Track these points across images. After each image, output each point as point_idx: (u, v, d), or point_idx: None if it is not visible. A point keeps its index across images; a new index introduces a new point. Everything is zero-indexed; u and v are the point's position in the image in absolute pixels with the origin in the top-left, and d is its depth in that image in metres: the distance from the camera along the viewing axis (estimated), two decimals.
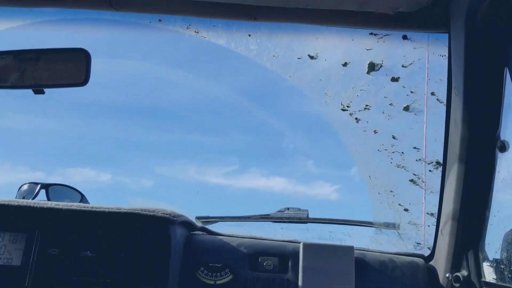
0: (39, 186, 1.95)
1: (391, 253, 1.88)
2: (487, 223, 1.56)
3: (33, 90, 1.55)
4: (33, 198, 1.92)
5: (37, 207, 1.66)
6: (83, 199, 2.03)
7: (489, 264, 1.56)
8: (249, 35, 2.00)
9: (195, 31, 1.99)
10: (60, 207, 1.66)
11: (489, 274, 1.55)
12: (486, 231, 1.58)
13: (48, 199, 1.93)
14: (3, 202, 1.67)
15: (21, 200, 1.79)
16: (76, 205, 1.71)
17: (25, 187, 1.98)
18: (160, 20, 1.94)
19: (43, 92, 1.56)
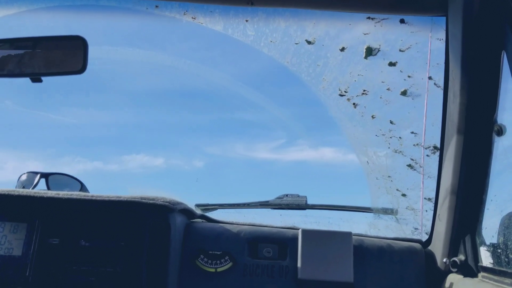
0: (38, 175, 1.95)
1: (389, 239, 1.89)
2: (484, 207, 1.57)
3: (30, 79, 1.54)
4: (33, 188, 1.92)
5: (37, 196, 1.66)
6: (83, 188, 2.03)
7: (486, 249, 1.57)
8: (247, 21, 1.98)
9: (192, 17, 1.97)
10: (60, 196, 1.67)
11: (486, 259, 1.56)
12: (483, 216, 1.58)
13: (48, 189, 1.93)
14: (3, 192, 1.67)
15: (21, 189, 1.80)
16: (76, 194, 1.71)
17: (24, 176, 1.99)
18: (157, 6, 1.93)
19: (40, 81, 1.56)
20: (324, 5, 1.74)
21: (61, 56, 1.55)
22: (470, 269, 1.60)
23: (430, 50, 1.89)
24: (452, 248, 1.68)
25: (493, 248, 1.55)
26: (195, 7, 1.91)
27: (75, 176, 2.05)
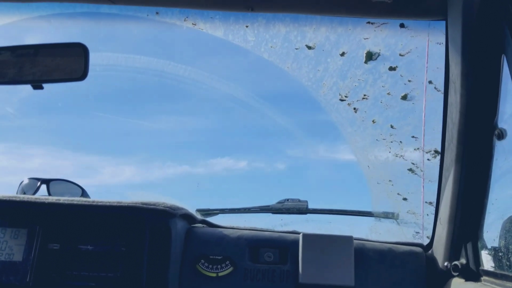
0: (39, 181, 1.96)
1: (390, 243, 1.89)
2: (485, 211, 1.57)
3: (32, 86, 1.55)
4: (34, 193, 1.93)
5: (38, 202, 1.67)
6: (83, 193, 2.04)
7: (487, 252, 1.57)
8: (247, 26, 1.99)
9: (192, 23, 1.98)
10: (61, 202, 1.67)
11: (487, 262, 1.55)
12: (484, 219, 1.58)
13: (49, 194, 1.94)
14: (4, 198, 1.68)
15: (22, 195, 1.80)
16: (77, 199, 1.72)
17: (25, 182, 1.99)
18: (157, 13, 1.94)
19: (41, 88, 1.56)
20: (324, 11, 1.75)
21: (62, 63, 1.56)
22: (471, 273, 1.59)
23: (427, 54, 1.89)
24: (454, 252, 1.67)
25: (495, 252, 1.54)
26: (195, 14, 1.92)
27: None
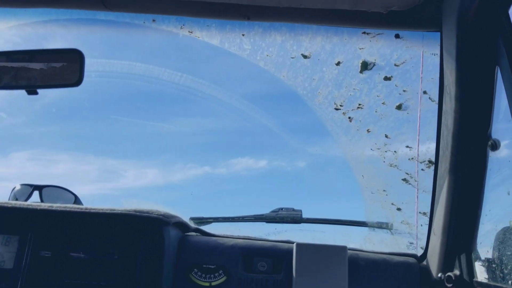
0: (32, 187, 1.94)
1: (384, 253, 1.88)
2: (479, 222, 1.57)
3: (26, 91, 1.55)
4: (26, 200, 1.91)
5: (30, 208, 1.66)
6: (76, 200, 2.02)
7: (481, 264, 1.56)
8: (243, 35, 2.00)
9: (188, 31, 1.99)
10: (54, 208, 1.66)
11: (481, 274, 1.55)
12: (478, 230, 1.58)
13: (42, 201, 1.93)
14: None
15: (14, 202, 1.79)
16: (70, 206, 1.71)
17: (18, 188, 1.98)
18: (154, 20, 1.94)
19: (36, 93, 1.56)
20: (320, 20, 1.76)
21: (57, 69, 1.56)
22: (465, 284, 1.59)
23: (422, 64, 1.90)
24: (447, 263, 1.67)
25: (488, 263, 1.54)
26: (191, 21, 1.93)
27: None
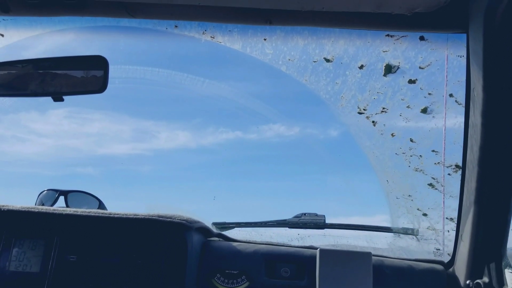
0: (58, 193, 1.97)
1: (410, 260, 1.85)
2: (509, 228, 1.53)
3: (52, 98, 1.57)
4: (52, 205, 1.95)
5: (56, 213, 1.68)
6: (101, 205, 2.05)
7: (511, 271, 1.52)
8: (265, 39, 1.99)
9: (211, 36, 1.99)
10: (79, 213, 1.68)
11: (511, 281, 1.51)
12: (507, 236, 1.54)
13: (67, 206, 1.96)
14: (22, 209, 1.70)
15: (40, 206, 1.82)
16: (94, 211, 1.73)
17: (44, 193, 2.02)
18: (176, 26, 1.95)
19: (62, 100, 1.59)
20: (342, 23, 1.74)
21: (82, 75, 1.58)
22: None
23: (447, 67, 1.87)
24: (476, 269, 1.63)
25: None
26: (213, 27, 1.94)
27: None
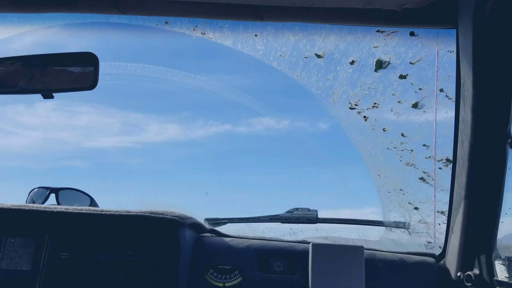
0: (49, 190, 1.96)
1: (401, 253, 1.87)
2: (499, 220, 1.54)
3: (42, 95, 1.56)
4: (43, 203, 1.93)
5: (47, 211, 1.67)
6: (92, 202, 2.04)
7: (501, 262, 1.54)
8: (256, 35, 1.99)
9: (201, 33, 1.99)
10: (70, 211, 1.67)
11: (501, 273, 1.53)
12: (497, 229, 1.56)
13: (58, 203, 1.94)
14: (13, 207, 1.68)
15: (31, 204, 1.81)
16: (85, 208, 1.72)
17: (35, 191, 2.00)
18: (166, 22, 1.95)
19: (52, 97, 1.57)
20: (333, 19, 1.75)
21: (72, 72, 1.57)
22: (485, 284, 1.57)
23: (437, 62, 1.88)
24: (466, 262, 1.65)
25: (509, 262, 1.52)
26: (204, 23, 1.93)
27: None
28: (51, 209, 1.68)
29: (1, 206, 1.69)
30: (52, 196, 1.97)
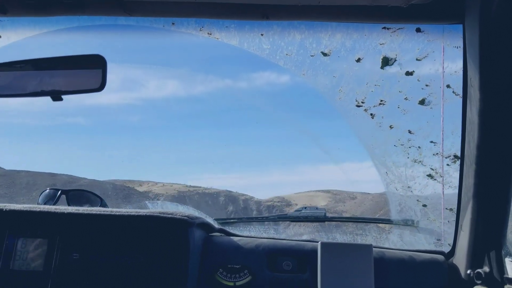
0: (59, 192, 1.98)
1: (410, 251, 1.86)
2: (508, 217, 1.53)
3: (51, 97, 1.58)
4: (54, 204, 1.96)
5: (58, 212, 1.69)
6: (102, 203, 2.06)
7: (511, 260, 1.53)
8: (262, 35, 2.00)
9: (208, 33, 2.00)
10: (80, 212, 1.69)
11: None
12: (507, 226, 1.55)
13: (69, 205, 1.97)
14: (24, 209, 1.70)
15: (42, 206, 1.83)
16: (96, 209, 1.74)
17: (46, 192, 2.02)
18: (173, 23, 1.96)
19: (61, 99, 1.59)
20: (339, 17, 1.74)
21: (81, 74, 1.59)
22: (495, 281, 1.56)
23: (444, 58, 1.87)
24: (476, 259, 1.64)
25: None
26: (210, 23, 1.94)
27: None
28: (61, 210, 1.70)
29: (13, 208, 1.71)
30: (63, 197, 1.99)
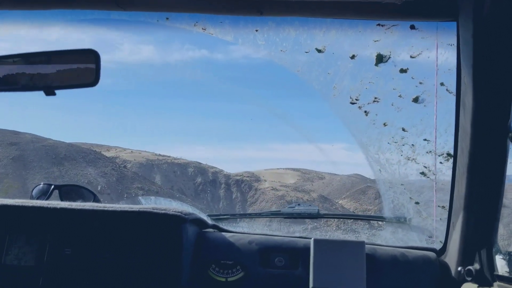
0: (52, 187, 1.97)
1: (402, 247, 1.87)
2: (499, 215, 1.54)
3: (44, 92, 1.57)
4: (47, 199, 1.95)
5: (50, 207, 1.69)
6: (95, 199, 2.05)
7: (502, 257, 1.54)
8: (256, 30, 1.99)
9: (202, 28, 1.99)
10: (73, 207, 1.69)
11: (502, 267, 1.53)
12: (498, 224, 1.55)
13: (61, 200, 1.96)
14: (17, 203, 1.70)
15: (35, 201, 1.82)
16: (88, 205, 1.73)
17: (38, 187, 2.01)
18: (167, 18, 1.95)
19: (54, 94, 1.58)
20: (333, 13, 1.74)
21: (74, 69, 1.58)
22: (485, 278, 1.57)
23: (438, 55, 1.87)
24: (467, 256, 1.65)
25: (509, 257, 1.52)
26: (205, 18, 1.93)
27: None
28: (54, 206, 1.69)
29: (5, 203, 1.70)
30: (56, 192, 1.98)
